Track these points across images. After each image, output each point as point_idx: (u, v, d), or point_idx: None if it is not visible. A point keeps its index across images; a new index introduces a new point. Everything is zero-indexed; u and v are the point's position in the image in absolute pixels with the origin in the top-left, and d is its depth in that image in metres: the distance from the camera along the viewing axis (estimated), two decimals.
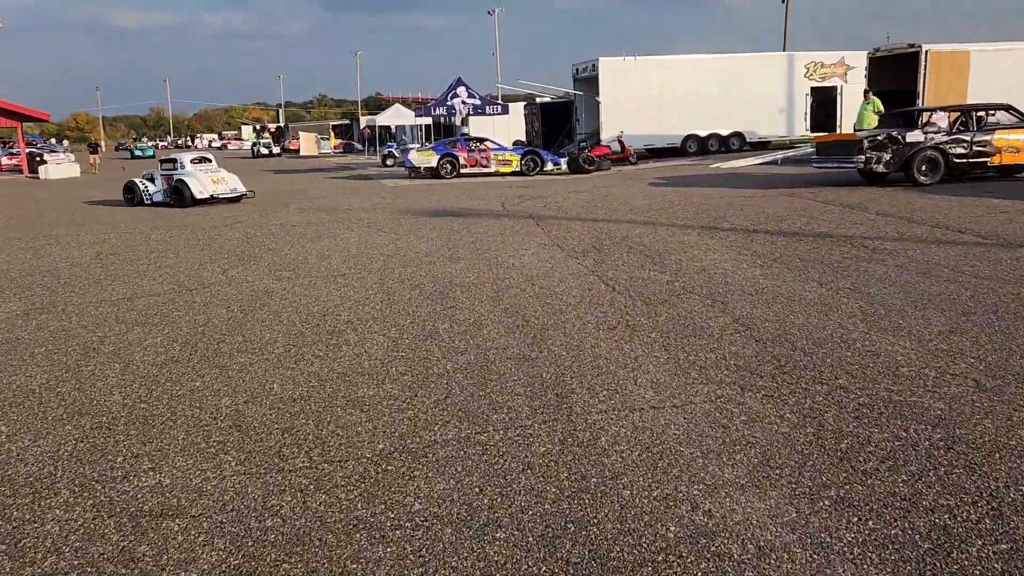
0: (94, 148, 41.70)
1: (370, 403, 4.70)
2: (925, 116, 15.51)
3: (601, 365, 5.24)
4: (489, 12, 65.89)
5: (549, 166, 25.47)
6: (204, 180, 18.18)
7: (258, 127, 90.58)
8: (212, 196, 18.13)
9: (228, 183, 18.57)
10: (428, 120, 38.69)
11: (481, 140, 25.80)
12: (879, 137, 14.47)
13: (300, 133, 57.98)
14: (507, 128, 33.34)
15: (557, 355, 5.50)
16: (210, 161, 19.25)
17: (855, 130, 19.56)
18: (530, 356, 5.50)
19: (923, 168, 14.43)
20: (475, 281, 8.15)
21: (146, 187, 18.98)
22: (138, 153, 64.94)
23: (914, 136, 14.33)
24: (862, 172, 15.09)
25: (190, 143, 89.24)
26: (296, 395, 4.89)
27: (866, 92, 20.55)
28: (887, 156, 14.38)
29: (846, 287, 7.16)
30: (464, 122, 39.88)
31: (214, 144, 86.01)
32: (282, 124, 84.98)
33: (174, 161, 18.93)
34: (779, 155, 22.47)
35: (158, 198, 18.81)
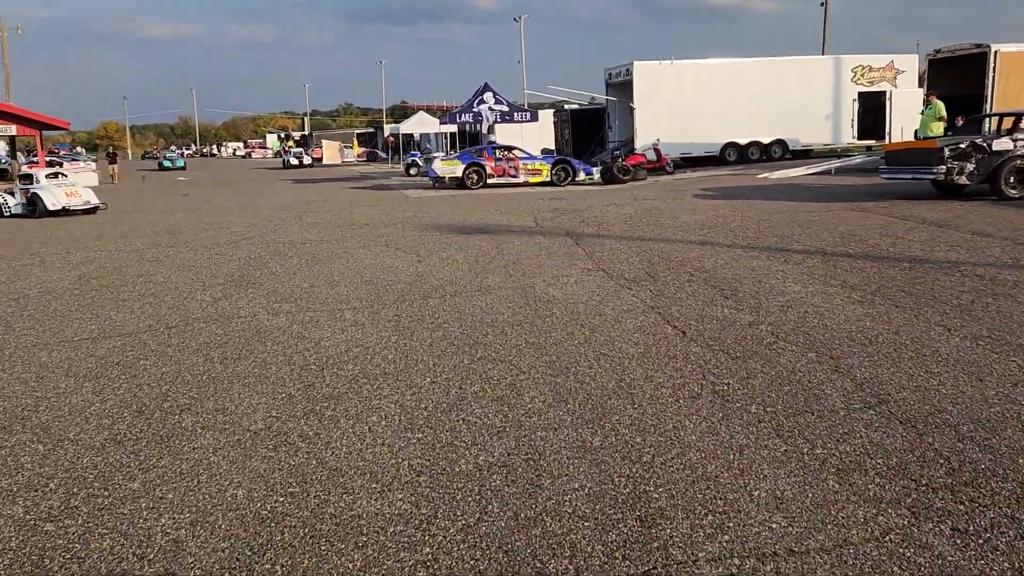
0: (112, 158, 40.81)
1: (369, 532, 3.25)
2: (1007, 121, 13.85)
3: (694, 463, 3.75)
4: (515, 19, 64.66)
5: (581, 176, 24.01)
6: (57, 193, 19.56)
7: (282, 135, 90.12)
8: (64, 208, 19.30)
9: (81, 196, 19.93)
10: (453, 128, 37.46)
11: (509, 148, 24.41)
12: (961, 145, 12.83)
13: (323, 141, 56.98)
14: (535, 136, 31.93)
15: (629, 443, 4.02)
16: (65, 176, 21.91)
17: (918, 137, 17.89)
18: (591, 444, 4.02)
19: (1011, 180, 12.77)
20: (510, 320, 6.70)
21: (5, 200, 20.10)
22: (167, 164, 53.69)
23: (1002, 144, 12.68)
24: (940, 184, 13.47)
25: (215, 151, 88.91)
26: (264, 512, 3.45)
27: (928, 96, 18.90)
28: (971, 166, 12.74)
29: (984, 335, 5.60)
30: (490, 130, 38.64)
31: (238, 152, 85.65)
32: (307, 132, 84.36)
33: (30, 176, 20.70)
34: (832, 164, 20.83)
35: (17, 211, 19.84)
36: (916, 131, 19.00)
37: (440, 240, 11.86)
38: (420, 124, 43.63)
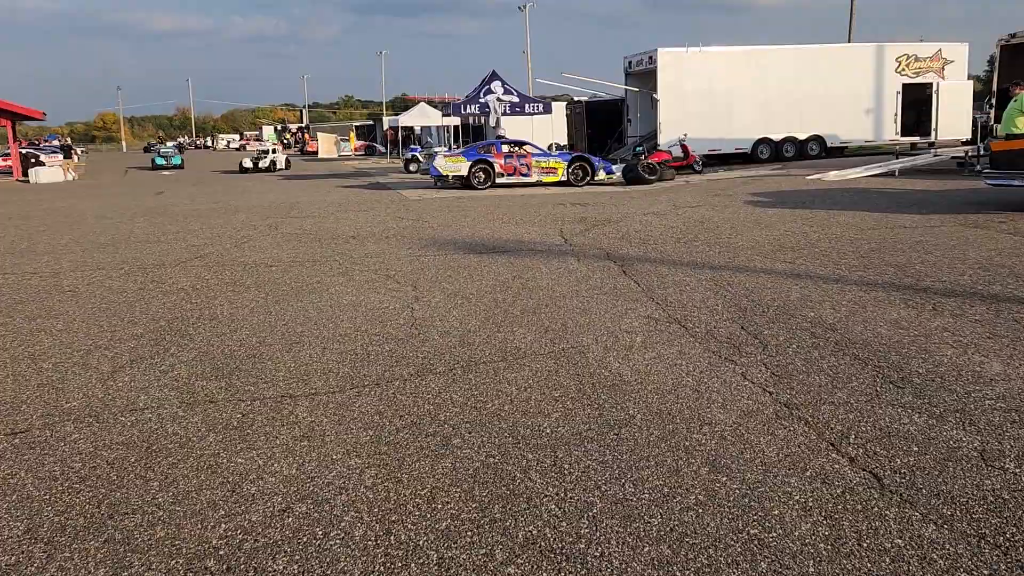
0: (67, 152, 38.07)
1: None
2: None
3: None
4: (520, 7, 62.02)
5: (601, 175, 21.35)
6: None
7: (279, 127, 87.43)
8: None
9: None
10: (456, 121, 34.79)
11: (520, 144, 21.76)
12: None
13: (318, 134, 54.26)
14: (547, 130, 29.28)
15: None
16: None
17: (1005, 136, 15.24)
18: None
19: None
20: (561, 430, 4.09)
21: None
22: (160, 161, 42.42)
23: None
24: None
25: (209, 144, 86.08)
26: None
27: (1014, 87, 16.22)
28: None
29: None
30: (496, 123, 35.98)
31: (232, 145, 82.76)
32: (304, 124, 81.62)
33: None
34: (894, 164, 18.18)
35: None
36: (1001, 129, 16.38)
37: (445, 264, 9.24)
38: (421, 116, 40.94)
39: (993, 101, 18.58)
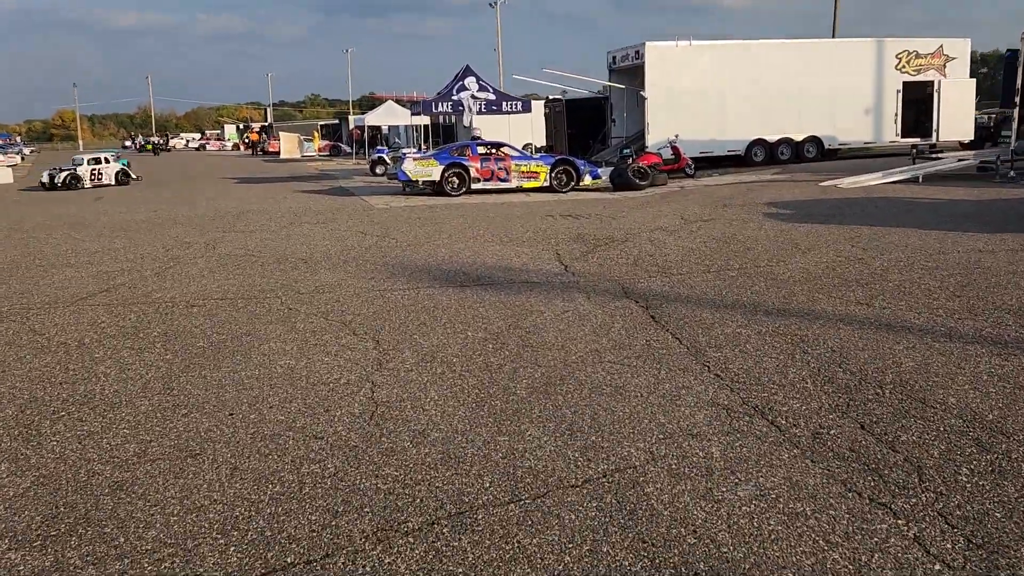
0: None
1: None
2: None
3: None
4: (491, 4, 59.98)
5: (587, 180, 19.39)
6: None
7: (241, 126, 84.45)
8: None
9: None
10: (426, 120, 32.60)
11: (498, 146, 19.71)
12: None
13: (281, 134, 51.64)
14: (525, 130, 27.28)
15: None
16: None
17: None
18: None
19: None
20: None
21: None
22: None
23: None
24: None
25: (160, 143, 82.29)
26: None
27: None
28: None
29: None
30: (470, 123, 33.91)
31: (191, 144, 79.28)
32: (268, 123, 78.70)
33: None
34: (919, 169, 16.45)
35: None
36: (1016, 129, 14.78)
37: (417, 303, 7.18)
38: (388, 115, 38.66)
39: (1017, 100, 17.00)
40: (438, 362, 5.38)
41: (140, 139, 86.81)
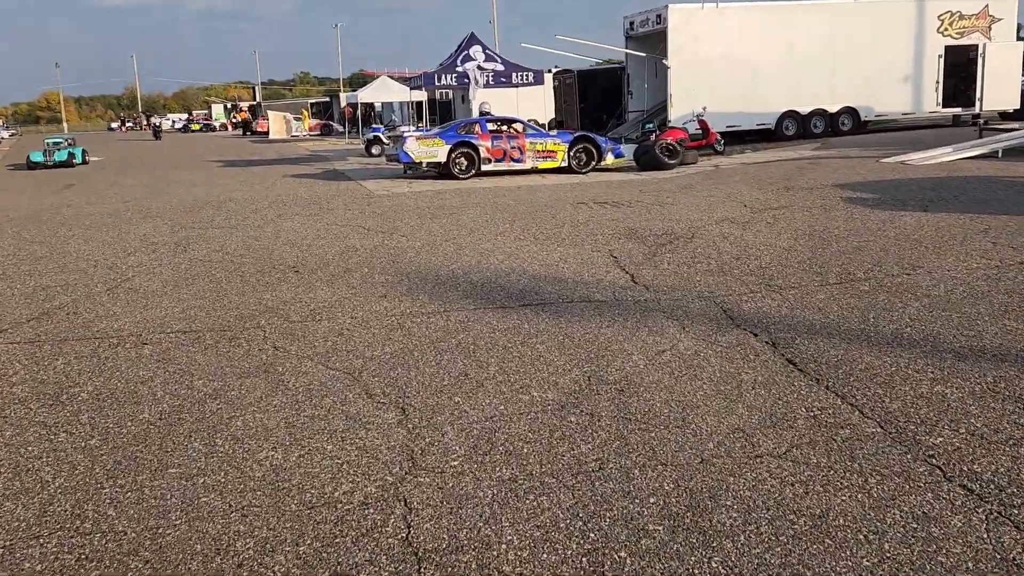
0: None
1: None
2: None
3: None
4: None
5: (609, 159, 17.45)
6: None
7: (228, 106, 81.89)
8: None
9: None
10: (423, 96, 30.40)
11: (510, 122, 17.70)
12: None
13: (269, 112, 49.32)
14: (535, 104, 25.19)
15: None
16: None
17: None
18: None
19: None
20: None
21: None
22: (38, 158, 25.77)
23: None
24: None
25: (131, 123, 79.29)
26: None
27: None
28: None
29: None
30: (464, 98, 31.78)
31: (176, 124, 76.30)
32: (257, 102, 76.07)
33: None
34: (999, 140, 14.50)
35: None
36: None
37: (449, 338, 5.27)
38: (382, 91, 36.47)
39: None
40: (500, 455, 3.49)
41: (130, 121, 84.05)
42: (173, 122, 76.56)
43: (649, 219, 9.63)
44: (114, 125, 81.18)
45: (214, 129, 70.46)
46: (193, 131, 66.50)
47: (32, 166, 25.70)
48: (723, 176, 14.28)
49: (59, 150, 26.51)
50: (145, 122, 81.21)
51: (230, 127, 68.92)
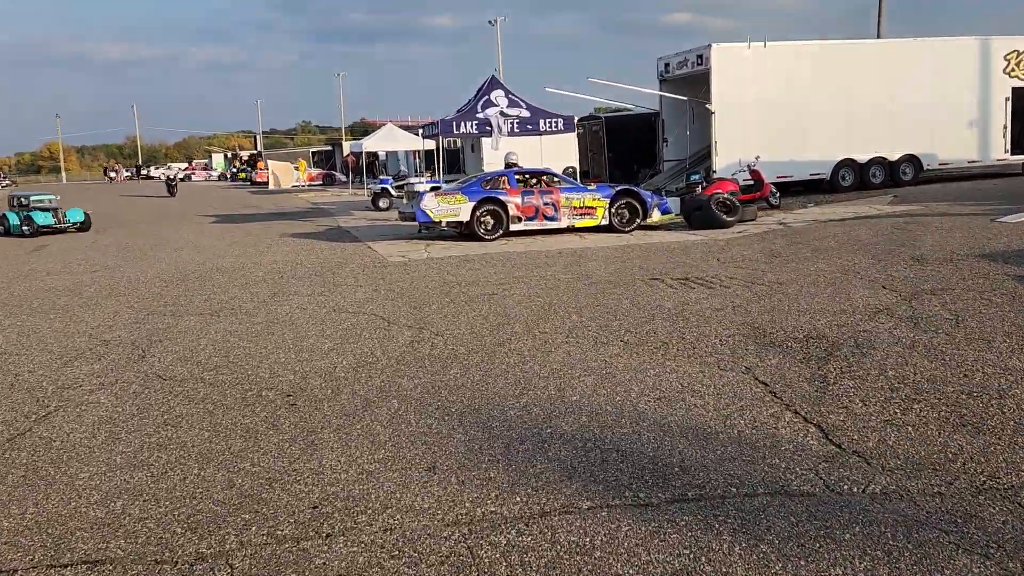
0: None
1: None
2: None
3: None
4: (491, 22, 55.84)
5: (656, 216, 15.20)
6: None
7: (229, 154, 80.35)
8: None
9: None
10: (431, 145, 28.20)
11: (540, 175, 15.46)
12: None
13: (270, 162, 47.24)
14: (560, 153, 22.95)
15: None
16: None
17: None
18: None
19: None
20: None
21: None
22: (13, 221, 19.50)
23: None
24: None
25: (124, 174, 76.84)
26: None
27: None
28: None
29: None
30: (474, 147, 29.66)
31: (168, 174, 72.91)
32: (257, 151, 74.36)
33: None
34: None
35: None
36: None
37: None
38: (389, 140, 34.48)
39: None
40: None
41: (128, 171, 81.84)
42: (163, 174, 71.38)
43: (766, 309, 7.22)
44: (114, 173, 78.41)
45: (189, 179, 66.24)
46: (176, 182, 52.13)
47: (10, 231, 19.79)
48: (805, 239, 11.93)
49: (48, 208, 19.84)
50: (133, 173, 79.25)
51: (228, 177, 66.88)
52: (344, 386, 5.58)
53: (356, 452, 4.33)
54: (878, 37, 33.13)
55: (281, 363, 6.30)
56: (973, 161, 20.76)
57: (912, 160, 20.14)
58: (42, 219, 19.58)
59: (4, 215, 20.05)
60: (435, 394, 5.27)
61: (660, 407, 4.78)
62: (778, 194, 17.39)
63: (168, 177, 47.27)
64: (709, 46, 18.59)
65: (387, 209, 23.56)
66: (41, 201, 20.26)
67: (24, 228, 19.43)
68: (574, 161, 22.18)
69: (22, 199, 20.23)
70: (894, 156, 19.96)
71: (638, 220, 14.92)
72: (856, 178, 19.82)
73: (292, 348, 6.79)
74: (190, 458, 4.37)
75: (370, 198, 26.02)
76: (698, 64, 19.06)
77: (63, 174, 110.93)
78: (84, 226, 20.15)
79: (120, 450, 4.56)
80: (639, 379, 5.35)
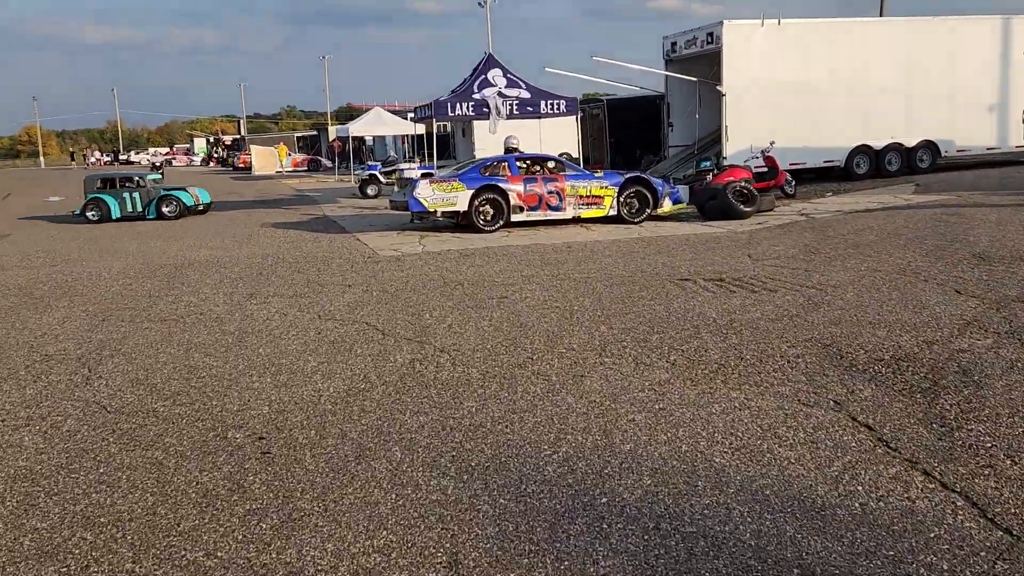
0: None
1: None
2: None
3: None
4: (480, 3, 54.36)
5: (666, 205, 14.11)
6: None
7: (211, 139, 78.47)
8: None
9: None
10: (421, 129, 26.95)
11: (543, 161, 14.32)
12: None
13: (252, 147, 45.75)
14: (559, 138, 21.77)
15: None
16: None
17: None
18: None
19: None
20: None
21: None
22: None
23: None
24: None
25: (100, 159, 74.93)
26: None
27: None
28: None
29: None
30: (464, 131, 28.37)
31: (153, 160, 70.88)
32: (240, 135, 72.51)
33: None
34: None
35: None
36: None
37: None
38: (376, 124, 33.15)
39: None
40: None
41: (108, 155, 79.78)
42: (151, 160, 69.40)
43: (831, 321, 6.12)
44: (93, 159, 76.31)
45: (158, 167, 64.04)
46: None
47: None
48: (837, 232, 10.86)
49: None
50: (112, 157, 77.37)
51: (212, 162, 65.34)
52: (331, 425, 4.45)
53: (348, 534, 3.21)
54: (881, 14, 32.10)
55: (254, 389, 5.17)
56: (992, 148, 19.74)
57: (929, 146, 19.10)
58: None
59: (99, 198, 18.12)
60: (447, 439, 4.16)
61: (742, 463, 3.69)
62: (793, 182, 16.32)
63: (154, 164, 45.50)
64: (720, 23, 17.43)
65: (375, 197, 22.36)
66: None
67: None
68: (574, 146, 21.03)
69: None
70: (911, 142, 18.91)
71: (648, 210, 13.83)
72: (872, 165, 18.77)
73: (268, 368, 5.65)
74: (123, 543, 3.24)
75: (357, 185, 24.78)
76: (708, 43, 17.90)
77: (41, 159, 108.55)
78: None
79: (32, 526, 3.42)
80: (703, 418, 4.26)
